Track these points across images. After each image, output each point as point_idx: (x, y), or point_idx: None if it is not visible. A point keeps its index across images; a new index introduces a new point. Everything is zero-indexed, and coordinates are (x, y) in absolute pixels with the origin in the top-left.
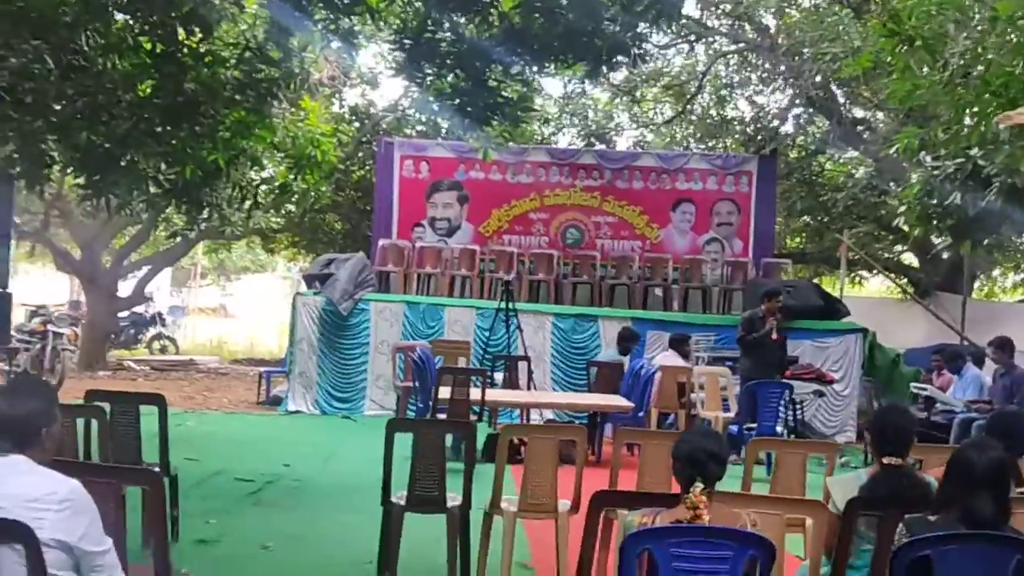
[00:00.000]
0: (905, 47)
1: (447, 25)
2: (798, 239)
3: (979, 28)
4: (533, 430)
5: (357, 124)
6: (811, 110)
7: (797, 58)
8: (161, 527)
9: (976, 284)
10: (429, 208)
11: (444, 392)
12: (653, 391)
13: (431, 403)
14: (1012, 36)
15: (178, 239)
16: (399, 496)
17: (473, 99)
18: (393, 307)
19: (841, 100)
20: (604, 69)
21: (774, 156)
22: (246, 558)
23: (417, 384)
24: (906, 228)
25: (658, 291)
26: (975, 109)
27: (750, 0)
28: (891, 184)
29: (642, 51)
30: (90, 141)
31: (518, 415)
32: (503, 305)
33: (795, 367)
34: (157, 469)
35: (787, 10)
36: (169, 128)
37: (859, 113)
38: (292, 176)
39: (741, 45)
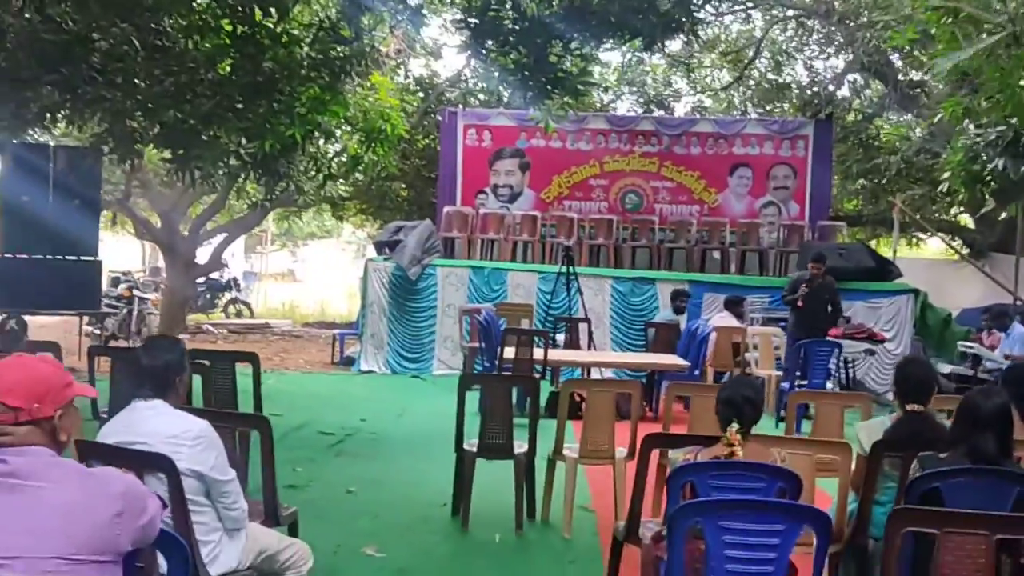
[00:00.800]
0: (950, 19)
1: (510, 4)
2: (855, 202)
3: None
4: (592, 384)
5: (421, 94)
6: (867, 74)
7: (852, 24)
8: (271, 463)
9: None
10: (492, 175)
11: (508, 352)
12: (709, 351)
13: (496, 362)
14: None
15: (257, 208)
16: (470, 444)
17: (535, 74)
18: (459, 272)
19: (897, 64)
20: (658, 43)
21: (830, 120)
22: (333, 500)
23: (483, 345)
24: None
25: (715, 254)
26: (1014, 79)
27: None
28: (945, 147)
29: (694, 28)
30: (176, 118)
31: (580, 374)
32: (564, 269)
33: (847, 327)
34: None
35: None
36: (248, 105)
37: (915, 76)
38: (363, 149)
39: (798, 12)
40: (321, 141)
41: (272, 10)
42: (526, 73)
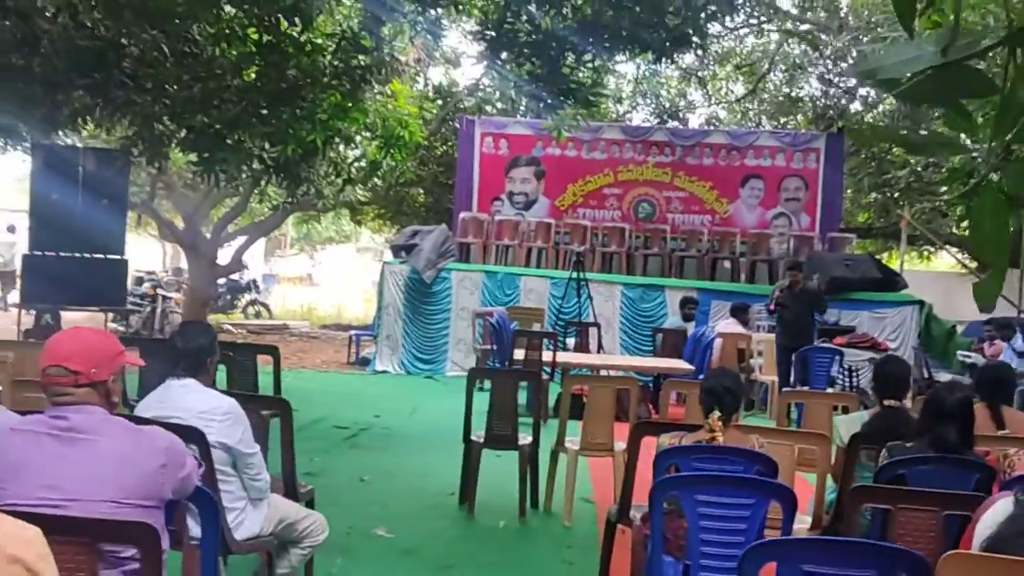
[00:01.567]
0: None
1: (525, 17)
2: (866, 215)
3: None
4: (593, 380)
5: (440, 102)
6: (879, 88)
7: (865, 39)
8: (290, 443)
9: None
10: (508, 183)
11: (519, 354)
12: (714, 356)
13: (507, 363)
14: None
15: (277, 211)
16: (478, 435)
17: (548, 84)
18: (473, 276)
19: None
20: (669, 56)
21: (841, 134)
22: (347, 488)
23: (495, 347)
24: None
25: (726, 264)
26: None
27: None
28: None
29: (703, 43)
30: (202, 122)
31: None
32: (574, 275)
33: (851, 336)
34: None
35: None
36: (272, 111)
37: None
38: (382, 154)
39: (810, 28)
40: (341, 147)
41: (297, 20)
42: (540, 83)
